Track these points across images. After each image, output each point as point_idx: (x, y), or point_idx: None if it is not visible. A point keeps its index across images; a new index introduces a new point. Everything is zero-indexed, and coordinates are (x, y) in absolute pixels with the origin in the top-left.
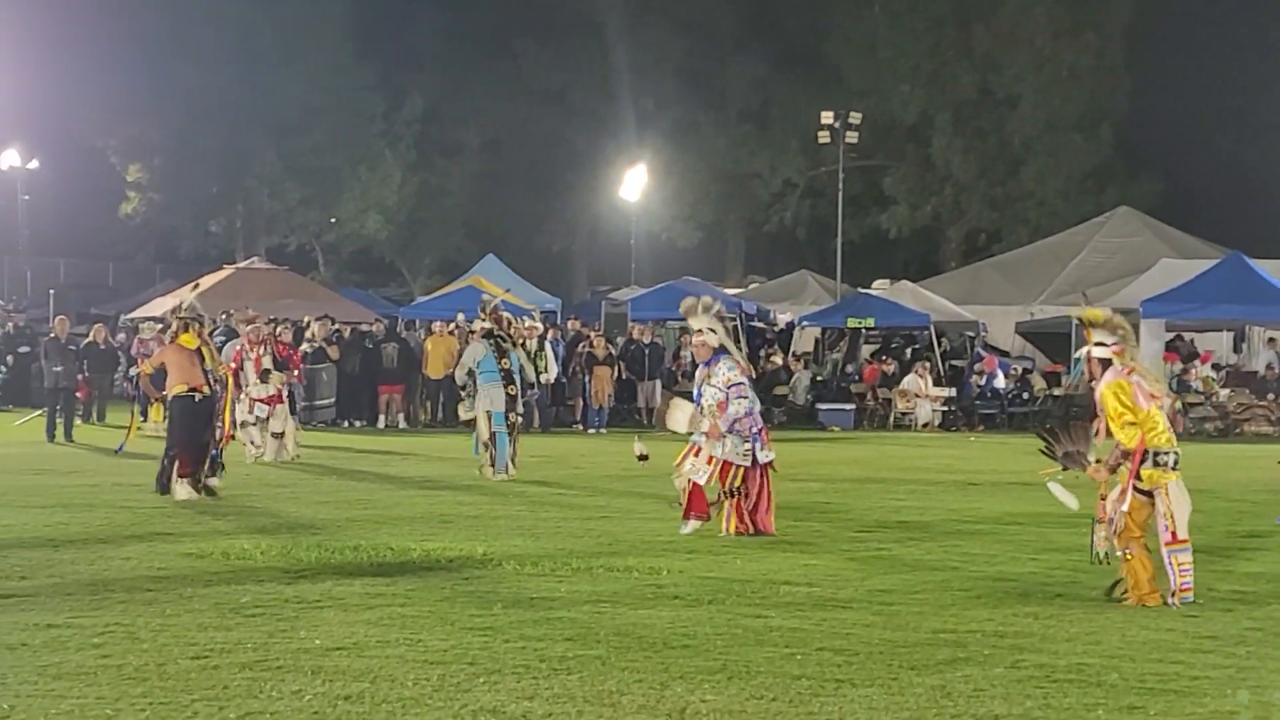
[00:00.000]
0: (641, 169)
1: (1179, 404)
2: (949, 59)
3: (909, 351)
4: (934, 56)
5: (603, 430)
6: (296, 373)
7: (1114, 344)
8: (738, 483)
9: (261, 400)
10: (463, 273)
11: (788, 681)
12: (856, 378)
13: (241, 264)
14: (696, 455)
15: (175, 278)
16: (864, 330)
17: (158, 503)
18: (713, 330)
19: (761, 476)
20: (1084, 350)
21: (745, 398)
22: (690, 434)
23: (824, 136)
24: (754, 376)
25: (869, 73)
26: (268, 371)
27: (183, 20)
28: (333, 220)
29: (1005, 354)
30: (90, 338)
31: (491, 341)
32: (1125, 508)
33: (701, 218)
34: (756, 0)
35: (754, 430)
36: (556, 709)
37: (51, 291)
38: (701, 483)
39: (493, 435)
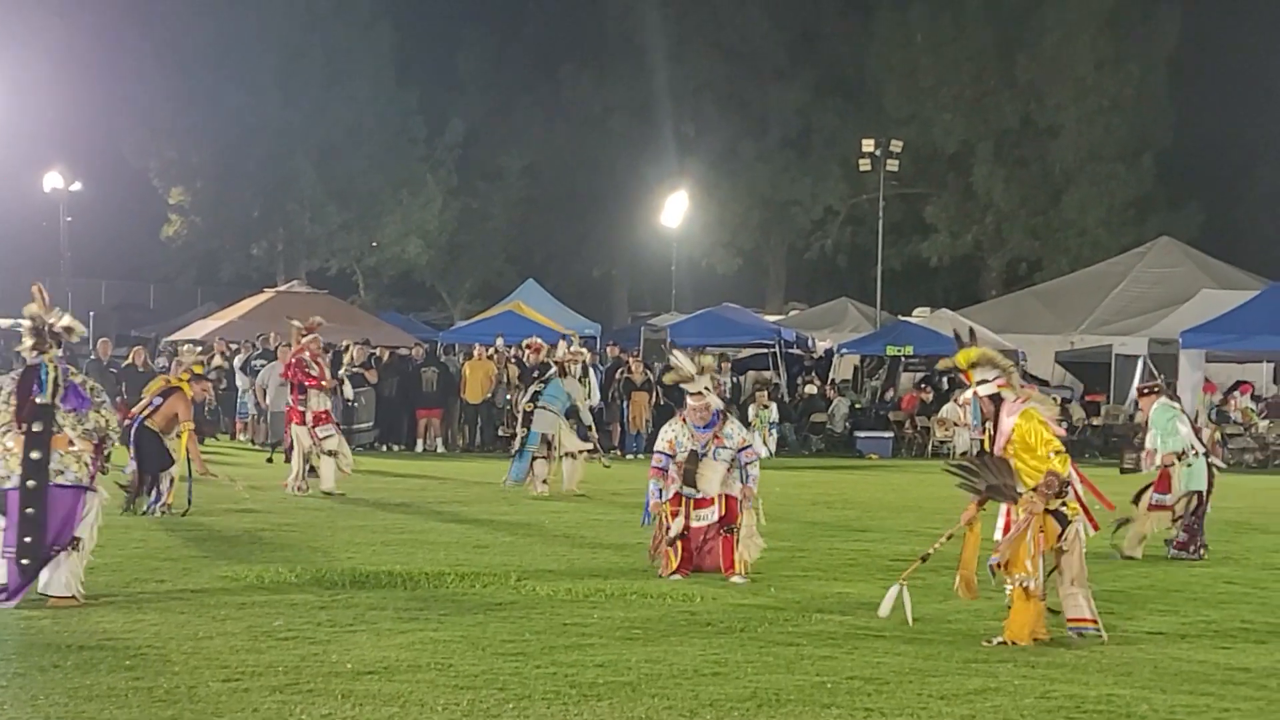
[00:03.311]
0: (682, 195)
1: (1218, 434)
2: (991, 88)
3: (947, 380)
4: (976, 85)
5: (640, 456)
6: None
7: (996, 377)
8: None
9: (322, 418)
10: (503, 297)
11: (817, 710)
12: (895, 405)
13: (282, 287)
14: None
15: (216, 300)
16: (903, 358)
17: (194, 525)
18: (709, 390)
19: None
20: (969, 393)
21: (758, 458)
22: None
23: (865, 164)
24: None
25: (910, 101)
26: (343, 383)
27: (227, 43)
28: (373, 244)
29: (1045, 383)
30: (129, 360)
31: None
32: (1083, 538)
33: (742, 244)
34: (799, 28)
35: None
36: None
37: (92, 313)
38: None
39: None
